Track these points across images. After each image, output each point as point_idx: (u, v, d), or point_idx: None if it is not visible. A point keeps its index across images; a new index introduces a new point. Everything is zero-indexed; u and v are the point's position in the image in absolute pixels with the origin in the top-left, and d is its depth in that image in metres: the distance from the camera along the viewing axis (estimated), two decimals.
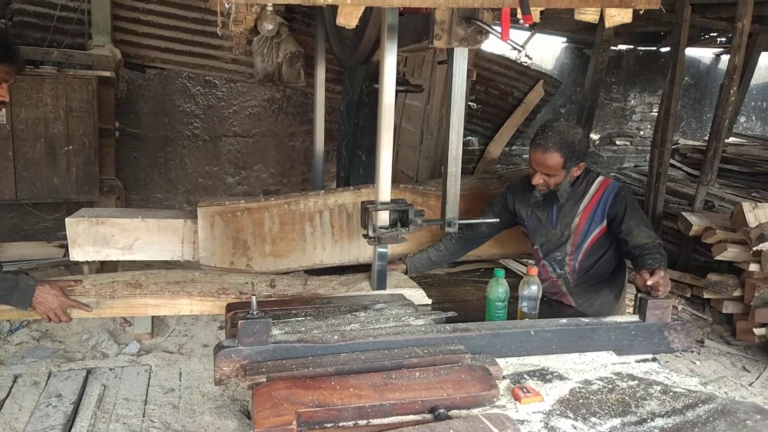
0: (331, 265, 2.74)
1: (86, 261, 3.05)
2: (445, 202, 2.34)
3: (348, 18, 1.65)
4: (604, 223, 2.45)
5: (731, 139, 7.28)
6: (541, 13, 1.90)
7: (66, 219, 2.65)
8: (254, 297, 1.75)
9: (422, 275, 2.78)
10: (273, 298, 2.25)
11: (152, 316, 4.37)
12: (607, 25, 1.80)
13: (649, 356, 2.01)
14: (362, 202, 2.33)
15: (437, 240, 2.78)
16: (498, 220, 2.63)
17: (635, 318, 2.06)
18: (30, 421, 3.22)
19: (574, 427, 1.55)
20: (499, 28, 1.97)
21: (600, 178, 2.49)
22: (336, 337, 1.80)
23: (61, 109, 4.21)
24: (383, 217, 2.24)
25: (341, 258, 2.75)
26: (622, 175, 7.22)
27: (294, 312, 2.00)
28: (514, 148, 7.80)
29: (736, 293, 4.44)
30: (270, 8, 2.32)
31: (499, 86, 6.74)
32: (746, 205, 4.29)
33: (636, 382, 1.80)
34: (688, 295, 5.01)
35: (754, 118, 9.32)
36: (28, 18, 4.60)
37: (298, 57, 3.82)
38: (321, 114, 3.46)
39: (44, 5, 4.56)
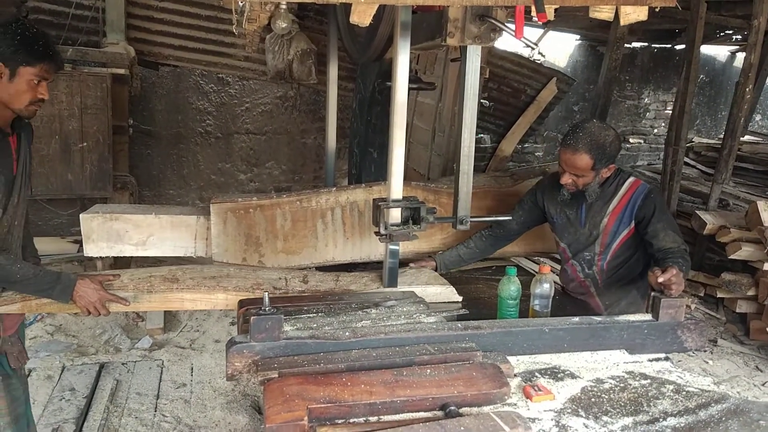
0: (342, 262, 2.75)
1: (100, 257, 3.07)
2: (457, 199, 2.33)
3: (361, 16, 1.65)
4: (632, 224, 2.42)
5: (746, 138, 7.21)
6: (556, 10, 1.88)
7: (80, 215, 2.68)
8: (266, 293, 1.76)
9: None
10: (287, 294, 2.26)
11: (164, 312, 4.41)
12: (622, 22, 1.78)
13: (662, 355, 1.99)
14: (374, 200, 2.33)
15: (467, 237, 2.76)
16: (510, 218, 2.61)
17: (648, 317, 2.04)
18: (43, 414, 3.27)
19: (586, 426, 1.55)
20: (512, 26, 1.96)
21: (631, 179, 2.46)
22: (347, 333, 1.80)
23: (75, 107, 4.25)
24: (395, 215, 2.24)
25: (353, 255, 2.76)
26: (635, 174, 7.17)
27: (305, 308, 2.01)
28: (526, 145, 7.78)
29: (750, 292, 4.41)
30: (284, 6, 2.32)
31: (511, 84, 6.72)
32: (761, 204, 4.25)
33: (648, 381, 1.79)
34: (702, 294, 4.98)
35: None
36: (44, 16, 4.65)
37: (310, 54, 3.83)
38: (333, 111, 3.47)
39: (59, 3, 4.61)
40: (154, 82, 5.37)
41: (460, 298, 2.38)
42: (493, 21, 2.07)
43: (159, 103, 5.44)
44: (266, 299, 1.76)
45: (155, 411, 3.37)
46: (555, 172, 2.56)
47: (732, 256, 4.40)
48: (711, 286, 4.79)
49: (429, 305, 2.11)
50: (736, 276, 4.47)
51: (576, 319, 2.01)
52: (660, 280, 1.99)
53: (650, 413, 1.61)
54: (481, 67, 2.31)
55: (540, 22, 1.74)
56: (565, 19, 6.31)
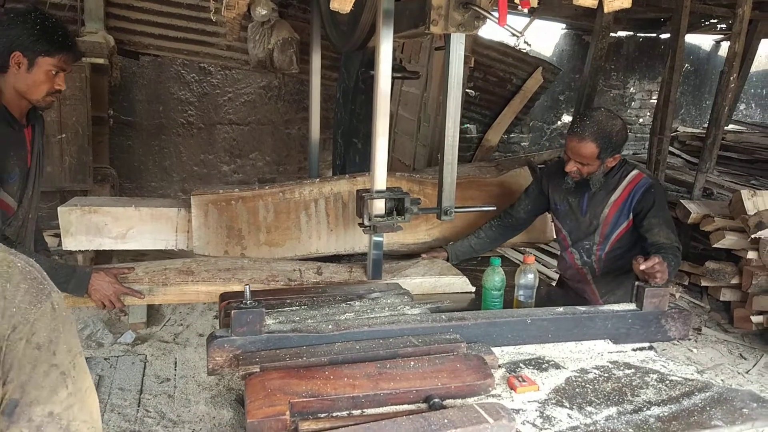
0: (326, 254, 2.71)
1: (80, 251, 3.02)
2: (441, 190, 2.31)
3: (342, 3, 1.61)
4: (631, 217, 2.42)
5: (731, 127, 7.26)
6: None
7: (58, 208, 2.62)
8: (248, 286, 1.73)
9: None
10: (269, 288, 2.23)
11: (147, 306, 4.36)
12: (606, 10, 1.77)
13: (646, 345, 1.99)
14: (357, 191, 2.30)
15: (477, 228, 2.77)
16: (493, 207, 2.60)
17: (632, 306, 2.04)
18: None
19: (570, 416, 1.54)
20: (497, 14, 1.94)
21: (634, 172, 2.45)
22: (330, 326, 1.78)
23: None
24: (379, 206, 2.22)
25: (337, 247, 2.73)
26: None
27: (288, 301, 1.98)
28: (512, 135, 7.77)
29: (734, 281, 4.44)
30: None
31: (497, 73, 6.70)
32: (745, 193, 4.27)
33: (632, 370, 1.79)
34: (686, 283, 5.01)
35: (753, 105, 9.29)
36: (19, 4, 4.53)
37: (291, 43, 3.77)
38: (317, 101, 3.42)
39: None
40: (134, 72, 5.27)
41: (473, 289, 2.38)
42: (477, 8, 2.04)
43: (140, 93, 5.34)
44: (247, 292, 1.73)
45: (138, 406, 3.33)
46: (560, 159, 2.54)
47: (716, 245, 4.43)
48: (695, 274, 4.82)
49: (413, 297, 2.09)
50: (720, 264, 4.50)
51: (560, 309, 2.00)
52: (642, 267, 1.99)
53: (634, 402, 1.61)
54: (465, 56, 2.29)
55: (524, 9, 1.71)
56: (550, 8, 6.29)
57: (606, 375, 1.75)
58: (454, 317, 1.89)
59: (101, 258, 4.12)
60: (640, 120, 8.38)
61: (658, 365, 1.84)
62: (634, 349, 1.96)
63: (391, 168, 4.97)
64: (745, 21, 4.60)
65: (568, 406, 1.58)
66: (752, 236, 4.09)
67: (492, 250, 2.88)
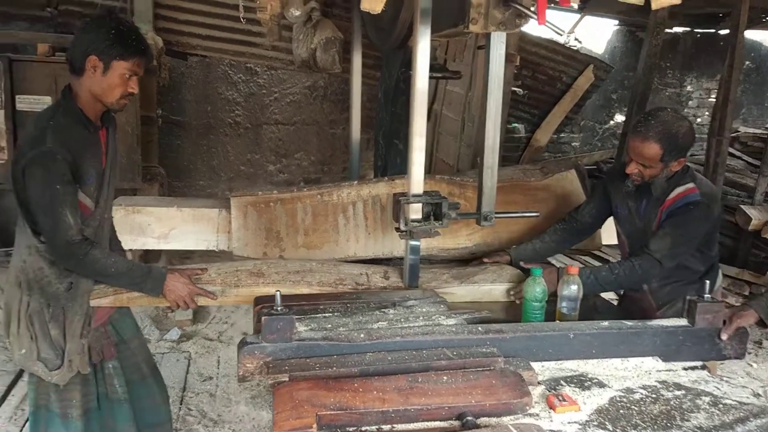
0: (364, 257, 2.67)
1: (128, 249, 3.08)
2: (481, 194, 2.23)
3: (373, 3, 1.56)
4: None
5: None
6: None
7: None
8: (278, 292, 1.70)
9: None
10: (303, 293, 2.20)
11: None
12: (653, 6, 1.65)
13: (698, 363, 1.87)
14: (394, 194, 2.25)
15: (542, 232, 2.64)
16: (537, 213, 2.50)
17: (684, 322, 1.92)
18: None
19: None
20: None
21: (689, 185, 2.28)
22: (362, 335, 1.73)
23: None
24: (415, 210, 2.16)
25: (375, 251, 2.68)
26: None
27: (321, 307, 1.95)
28: (562, 135, 7.58)
29: None
30: None
31: (546, 71, 6.55)
32: None
33: (683, 391, 1.68)
34: (747, 293, 4.75)
35: None
36: (73, 7, 4.68)
37: (334, 42, 3.74)
38: (357, 101, 3.39)
39: None
40: (183, 72, 5.36)
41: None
42: (517, 6, 1.96)
43: (188, 93, 5.44)
44: (278, 298, 1.70)
45: (181, 404, 3.37)
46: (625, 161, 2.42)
47: None
48: (756, 284, 4.57)
49: (450, 306, 2.02)
50: None
51: (605, 323, 1.90)
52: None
53: (683, 428, 1.50)
54: (511, 54, 2.21)
55: (566, 6, 1.61)
56: (602, 4, 6.09)
57: (654, 396, 1.65)
58: (492, 329, 1.81)
59: (150, 256, 4.20)
60: (698, 120, 8.03)
61: (711, 386, 1.72)
62: (685, 368, 1.84)
63: (434, 169, 4.91)
64: None
65: (611, 429, 1.49)
66: None
67: (557, 254, 2.73)
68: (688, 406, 1.60)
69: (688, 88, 7.92)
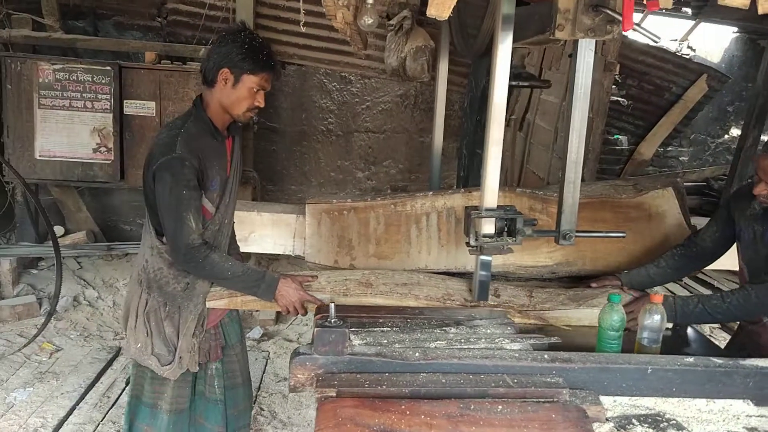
0: (436, 270, 2.59)
1: None
2: (561, 211, 2.10)
3: (439, 9, 1.49)
4: None
5: None
6: None
7: None
8: (332, 304, 1.67)
9: None
10: (363, 305, 2.16)
11: None
12: (760, 11, 1.47)
13: None
14: (466, 207, 2.16)
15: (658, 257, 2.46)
16: (623, 234, 2.31)
17: None
18: None
19: None
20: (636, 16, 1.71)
21: None
22: (417, 354, 1.66)
23: None
24: (488, 225, 2.06)
25: (447, 264, 2.59)
26: None
27: (381, 321, 1.89)
28: (669, 149, 7.09)
29: None
30: (370, 2, 2.21)
31: (653, 80, 6.16)
32: None
33: None
34: None
35: None
36: (180, 17, 4.94)
37: (424, 51, 3.70)
38: (441, 110, 3.32)
39: (195, 5, 4.86)
40: (280, 81, 5.52)
41: (669, 324, 2.13)
42: (608, 11, 1.82)
43: (285, 101, 5.58)
44: (332, 310, 1.67)
45: (254, 403, 3.43)
46: (752, 181, 2.20)
47: None
48: None
49: (518, 329, 1.90)
50: None
51: (690, 359, 1.71)
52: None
53: None
54: (610, 62, 2.06)
55: (649, 11, 1.47)
56: (719, 9, 5.62)
57: None
58: (559, 358, 1.68)
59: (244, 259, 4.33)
60: None
61: None
62: None
63: (524, 180, 4.73)
64: None
65: None
66: None
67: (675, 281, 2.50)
68: None
69: None
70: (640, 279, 2.36)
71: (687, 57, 6.45)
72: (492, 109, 2.03)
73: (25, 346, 3.89)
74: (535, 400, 1.53)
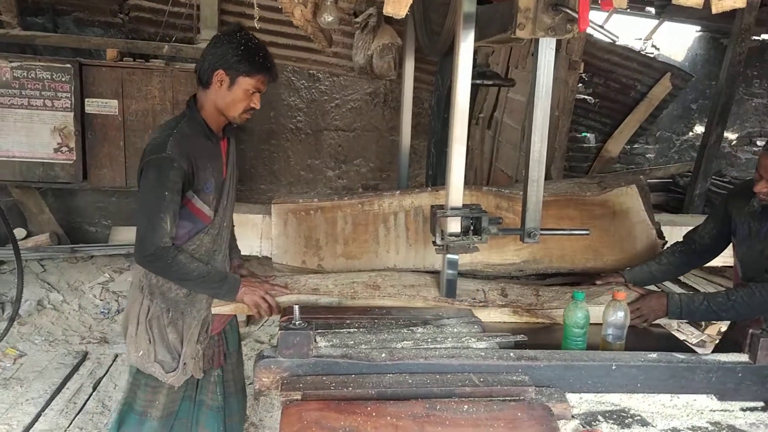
0: (404, 269, 2.58)
1: None
2: (525, 210, 2.11)
3: (396, 6, 1.48)
4: None
5: None
6: None
7: None
8: (296, 306, 1.64)
9: None
10: (330, 306, 2.14)
11: None
12: (714, 11, 1.49)
13: (759, 404, 1.67)
14: (431, 206, 2.15)
15: (658, 254, 2.51)
16: (587, 232, 2.32)
17: (744, 357, 1.72)
18: None
19: None
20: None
21: None
22: (384, 354, 1.65)
23: (168, 101, 4.39)
24: (453, 224, 2.05)
25: (415, 263, 2.59)
26: None
27: (348, 322, 1.88)
28: (636, 146, 7.22)
29: None
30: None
31: (619, 79, 6.26)
32: None
33: None
34: None
35: None
36: (143, 13, 4.84)
37: (391, 48, 3.69)
38: (408, 108, 3.31)
39: (157, 1, 4.77)
40: (277, 82, 5.44)
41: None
42: (567, 10, 1.83)
43: None
44: (296, 312, 1.64)
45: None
46: (750, 179, 2.23)
47: None
48: None
49: (484, 328, 1.91)
50: None
51: (654, 355, 1.73)
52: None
53: None
54: (574, 61, 2.07)
55: (604, 10, 1.48)
56: (683, 8, 5.73)
57: None
58: (525, 356, 1.69)
59: None
60: None
61: None
62: (743, 409, 1.65)
63: (493, 179, 4.75)
64: None
65: None
66: None
67: (677, 277, 2.53)
68: None
69: None
70: (642, 276, 2.40)
71: (651, 56, 6.56)
72: (455, 107, 2.02)
73: None
74: (501, 398, 1.53)
